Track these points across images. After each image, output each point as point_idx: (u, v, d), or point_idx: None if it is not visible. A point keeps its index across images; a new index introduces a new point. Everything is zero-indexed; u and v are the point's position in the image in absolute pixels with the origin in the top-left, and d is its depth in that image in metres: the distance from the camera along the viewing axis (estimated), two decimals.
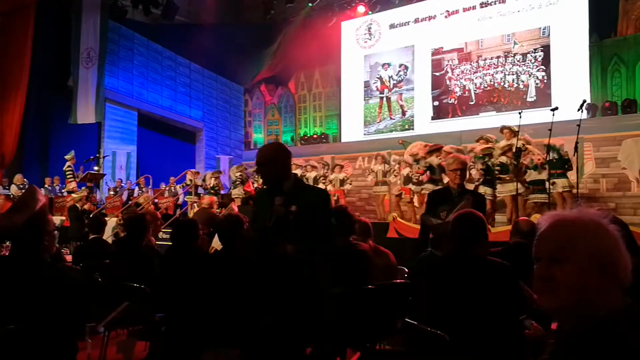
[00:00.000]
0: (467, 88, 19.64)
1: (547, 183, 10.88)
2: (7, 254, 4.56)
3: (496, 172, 12.19)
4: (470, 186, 11.44)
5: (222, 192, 16.47)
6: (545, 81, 17.97)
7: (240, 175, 16.16)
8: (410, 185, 13.54)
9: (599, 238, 1.66)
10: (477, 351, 3.29)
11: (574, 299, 1.66)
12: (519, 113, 10.42)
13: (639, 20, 17.07)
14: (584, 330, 1.62)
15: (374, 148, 15.95)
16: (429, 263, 4.20)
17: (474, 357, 3.30)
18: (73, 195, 14.97)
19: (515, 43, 18.71)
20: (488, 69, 19.21)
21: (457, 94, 19.80)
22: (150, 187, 17.81)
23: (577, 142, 9.74)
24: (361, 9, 22.55)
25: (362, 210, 16.81)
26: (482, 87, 19.31)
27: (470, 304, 3.38)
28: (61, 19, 19.59)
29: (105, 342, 5.24)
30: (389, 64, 21.94)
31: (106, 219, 10.93)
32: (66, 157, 15.86)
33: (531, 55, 18.35)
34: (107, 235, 10.42)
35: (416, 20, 21.24)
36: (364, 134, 21.95)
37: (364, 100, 22.51)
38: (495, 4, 19.27)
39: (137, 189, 18.56)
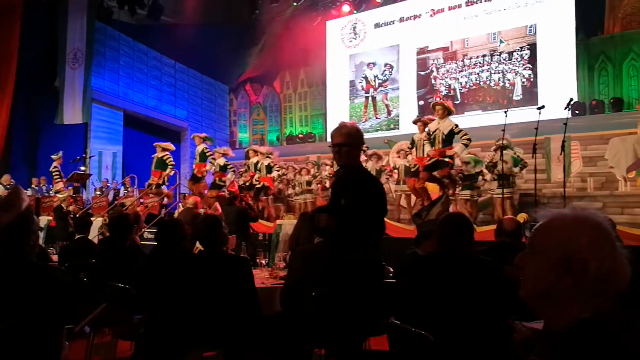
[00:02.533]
0: (452, 87, 19.69)
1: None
2: None
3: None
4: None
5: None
6: (531, 80, 18.03)
7: None
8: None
9: (572, 237, 1.64)
10: (463, 351, 3.28)
11: (536, 291, 1.68)
12: (505, 112, 10.38)
13: (625, 19, 17.13)
14: (568, 331, 1.61)
15: None
16: (414, 262, 4.18)
17: (459, 357, 3.29)
18: (58, 195, 14.90)
19: (501, 41, 18.75)
20: (474, 68, 19.26)
21: (443, 93, 19.83)
22: (135, 186, 17.73)
23: (564, 141, 9.75)
24: (346, 8, 22.56)
25: None
26: (467, 86, 19.36)
27: (456, 303, 3.37)
28: (48, 20, 19.54)
29: (90, 342, 5.22)
30: (374, 64, 21.97)
31: (92, 219, 10.89)
32: (53, 157, 15.78)
33: (517, 54, 18.40)
34: (93, 235, 10.36)
35: (401, 20, 21.27)
36: None
37: (350, 99, 22.55)
38: (481, 2, 19.31)
39: (122, 188, 18.49)
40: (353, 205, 4.15)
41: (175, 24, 21.92)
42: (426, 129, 11.31)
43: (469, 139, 10.85)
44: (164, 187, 15.09)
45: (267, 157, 14.97)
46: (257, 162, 14.83)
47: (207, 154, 14.84)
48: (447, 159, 10.82)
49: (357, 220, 4.12)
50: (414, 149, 11.94)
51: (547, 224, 1.71)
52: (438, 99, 19.21)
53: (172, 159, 14.93)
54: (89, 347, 5.19)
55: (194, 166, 15.38)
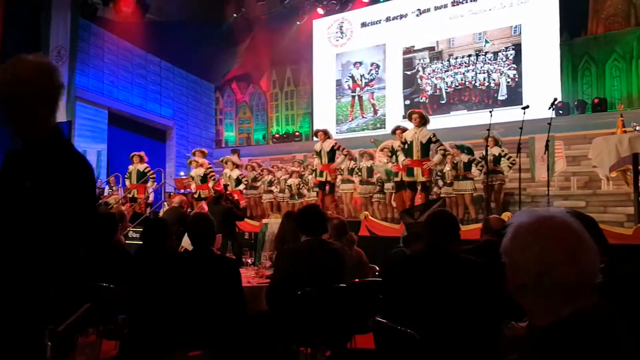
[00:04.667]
0: (438, 87, 19.72)
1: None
2: None
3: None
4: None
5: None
6: (516, 79, 18.11)
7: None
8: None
9: (511, 240, 1.75)
10: (449, 349, 3.28)
11: (509, 290, 1.77)
12: (490, 112, 10.43)
13: (608, 20, 17.27)
14: (548, 327, 1.63)
15: (346, 147, 15.92)
16: (400, 260, 4.18)
17: (445, 355, 3.29)
18: None
19: (486, 41, 18.82)
20: (459, 68, 19.31)
21: (429, 93, 19.88)
22: (120, 185, 17.65)
23: (547, 140, 9.80)
24: (320, 11, 22.60)
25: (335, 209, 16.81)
26: (453, 86, 19.41)
27: (442, 302, 3.37)
28: (31, 17, 19.38)
29: (74, 342, 5.18)
30: (360, 63, 21.99)
31: None
32: None
33: (502, 54, 18.47)
34: None
35: (387, 19, 21.31)
36: (337, 133, 21.89)
37: (336, 98, 22.53)
38: (466, 2, 19.37)
39: (107, 187, 18.39)
40: (39, 202, 2.42)
41: (161, 22, 21.82)
42: (402, 139, 11.33)
43: (445, 150, 10.94)
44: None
45: (237, 168, 14.96)
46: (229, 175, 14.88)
47: (210, 176, 14.61)
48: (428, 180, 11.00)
49: (48, 227, 2.42)
50: (394, 157, 11.96)
51: (508, 230, 1.79)
52: (424, 98, 19.33)
53: (152, 172, 14.85)
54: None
55: (193, 186, 15.03)
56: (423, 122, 10.99)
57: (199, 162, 14.76)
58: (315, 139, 13.95)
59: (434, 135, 10.91)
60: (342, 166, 13.81)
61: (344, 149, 12.88)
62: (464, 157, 12.54)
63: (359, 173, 14.01)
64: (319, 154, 12.97)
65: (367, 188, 13.84)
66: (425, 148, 10.84)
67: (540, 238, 1.67)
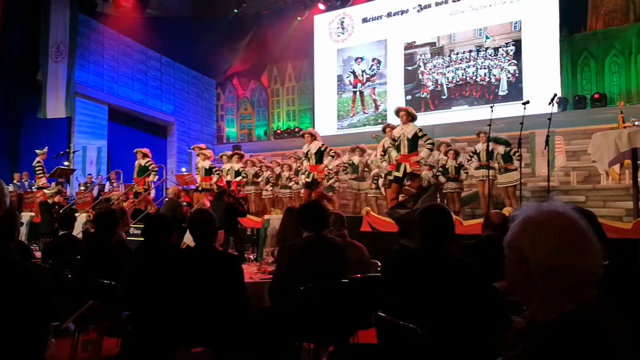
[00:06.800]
0: (439, 82, 19.74)
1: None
2: None
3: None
4: None
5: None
6: (516, 75, 18.14)
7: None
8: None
9: (520, 236, 1.73)
10: (450, 345, 3.29)
11: (511, 285, 1.79)
12: (491, 107, 10.43)
13: (607, 15, 17.32)
14: (551, 323, 1.63)
15: (347, 142, 15.93)
16: (400, 256, 4.17)
17: (447, 351, 3.30)
18: (45, 191, 14.78)
19: (487, 37, 18.84)
20: (460, 63, 19.33)
21: (430, 88, 19.90)
22: (121, 182, 17.63)
23: (548, 136, 9.81)
24: (321, 6, 22.64)
25: (337, 205, 16.81)
26: (454, 81, 19.43)
27: (440, 299, 3.37)
28: (29, 12, 19.34)
29: (75, 339, 5.18)
30: (362, 58, 22.00)
31: (76, 214, 10.81)
32: (38, 151, 15.64)
33: (503, 50, 18.49)
34: (77, 231, 10.30)
35: (389, 15, 21.31)
36: (338, 128, 21.97)
37: (337, 94, 22.55)
38: None
39: (108, 184, 18.37)
40: None
41: (161, 17, 21.79)
42: (392, 136, 11.52)
43: (433, 143, 11.05)
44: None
45: (239, 160, 15.03)
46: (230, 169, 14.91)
47: (215, 170, 14.67)
48: (417, 170, 11.05)
49: None
50: (387, 156, 11.99)
51: (513, 224, 1.78)
52: (425, 93, 19.34)
53: (154, 165, 14.85)
54: (74, 345, 5.16)
55: (198, 179, 15.10)
56: (410, 118, 11.08)
57: (207, 155, 14.83)
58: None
59: (420, 129, 11.02)
60: (355, 160, 13.93)
61: (330, 149, 12.87)
62: (501, 149, 12.38)
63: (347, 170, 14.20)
64: (306, 155, 13.04)
65: (361, 184, 14.02)
66: (412, 143, 10.95)
67: (551, 235, 1.66)
